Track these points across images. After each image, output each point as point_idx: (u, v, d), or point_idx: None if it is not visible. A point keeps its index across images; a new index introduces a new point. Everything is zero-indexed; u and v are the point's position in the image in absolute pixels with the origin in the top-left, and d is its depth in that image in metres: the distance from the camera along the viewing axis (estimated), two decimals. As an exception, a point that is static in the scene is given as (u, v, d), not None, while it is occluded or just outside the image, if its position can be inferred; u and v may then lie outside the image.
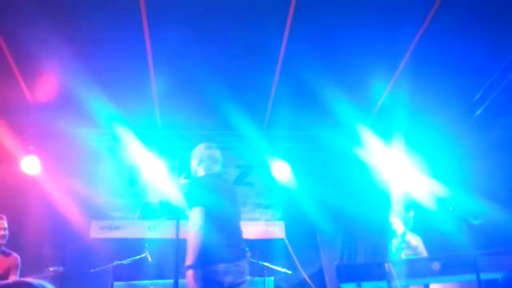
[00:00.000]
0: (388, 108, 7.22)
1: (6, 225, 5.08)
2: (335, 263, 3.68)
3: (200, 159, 4.18)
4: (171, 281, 7.19)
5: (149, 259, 6.63)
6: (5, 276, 4.79)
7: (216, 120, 7.44)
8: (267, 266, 6.50)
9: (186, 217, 7.67)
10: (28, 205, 7.39)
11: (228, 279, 3.62)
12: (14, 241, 5.15)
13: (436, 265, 3.48)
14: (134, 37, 5.73)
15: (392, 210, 6.26)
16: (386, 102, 7.19)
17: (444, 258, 3.53)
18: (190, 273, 3.56)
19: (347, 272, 3.62)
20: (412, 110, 6.98)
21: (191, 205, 3.76)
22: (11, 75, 6.22)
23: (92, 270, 6.40)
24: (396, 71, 6.48)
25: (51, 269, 5.01)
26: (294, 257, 7.78)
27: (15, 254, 5.07)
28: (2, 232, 4.94)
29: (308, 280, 7.71)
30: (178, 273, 3.79)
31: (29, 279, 1.25)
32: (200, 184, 3.97)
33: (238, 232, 4.00)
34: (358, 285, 3.51)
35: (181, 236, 7.56)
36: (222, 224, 3.78)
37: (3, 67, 6.05)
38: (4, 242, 4.98)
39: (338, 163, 8.05)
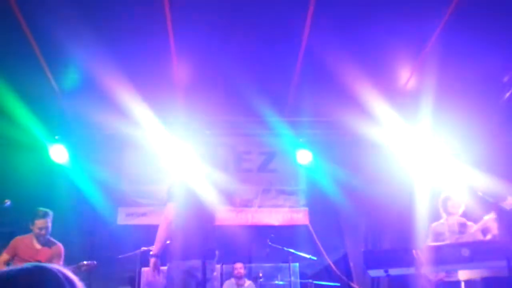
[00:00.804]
0: (414, 92, 7.10)
1: (50, 222, 5.18)
2: (362, 250, 3.67)
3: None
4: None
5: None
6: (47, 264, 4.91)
7: (239, 107, 7.43)
8: (292, 253, 6.50)
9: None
10: (56, 193, 7.53)
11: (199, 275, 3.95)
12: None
13: (465, 251, 3.44)
14: (158, 23, 5.76)
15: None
16: (411, 86, 7.08)
17: (474, 244, 3.49)
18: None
19: (374, 259, 3.61)
20: (438, 93, 6.85)
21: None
22: (37, 64, 6.31)
23: (120, 256, 6.51)
24: (421, 52, 6.36)
25: (85, 262, 5.10)
26: (319, 243, 7.79)
27: (58, 244, 5.19)
28: (43, 231, 5.05)
29: (332, 266, 7.72)
30: (205, 255, 3.82)
31: (51, 265, 1.26)
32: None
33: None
34: (386, 271, 3.50)
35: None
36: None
37: (29, 56, 6.14)
38: (47, 234, 5.10)
39: (361, 148, 7.97)
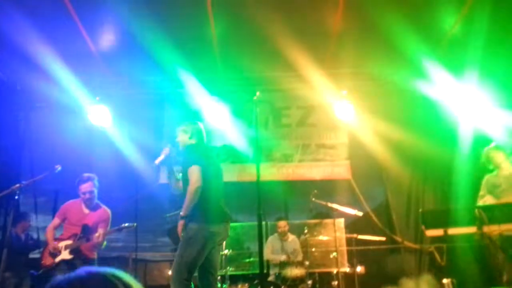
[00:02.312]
0: (460, 39, 6.78)
1: (96, 184, 5.24)
2: (420, 210, 3.58)
3: (192, 133, 4.41)
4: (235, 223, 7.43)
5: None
6: (93, 228, 5.04)
7: (277, 61, 7.26)
8: (337, 208, 6.46)
9: (250, 160, 7.77)
10: (96, 154, 7.64)
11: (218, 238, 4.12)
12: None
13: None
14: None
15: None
16: (457, 33, 6.74)
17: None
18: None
19: (433, 218, 3.52)
20: (487, 40, 6.51)
21: (190, 164, 4.06)
22: (74, 26, 6.24)
23: (167, 215, 6.59)
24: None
25: (126, 225, 5.17)
26: (361, 197, 7.74)
27: (105, 208, 5.27)
28: (88, 196, 5.13)
29: (375, 219, 7.69)
30: (261, 215, 3.80)
31: (104, 272, 1.21)
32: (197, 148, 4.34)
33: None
34: (445, 231, 3.41)
35: (241, 179, 7.74)
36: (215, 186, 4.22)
37: (65, 19, 6.07)
38: (93, 198, 5.17)
39: (403, 100, 7.76)
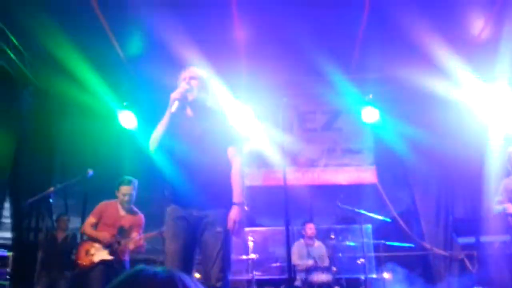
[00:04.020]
0: (489, 42, 6.69)
1: (135, 188, 5.32)
2: (450, 217, 3.55)
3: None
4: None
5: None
6: (128, 232, 5.12)
7: (303, 66, 7.28)
8: (363, 214, 6.43)
9: (275, 165, 7.76)
10: (125, 158, 7.75)
11: None
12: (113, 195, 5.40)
13: None
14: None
15: None
16: (486, 35, 6.65)
17: None
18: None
19: (465, 226, 3.49)
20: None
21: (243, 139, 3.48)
22: (102, 32, 6.38)
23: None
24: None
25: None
26: (388, 203, 7.67)
27: (140, 214, 5.34)
28: (127, 198, 5.21)
29: (404, 225, 7.61)
30: (288, 220, 3.76)
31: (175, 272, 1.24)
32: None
33: None
34: (477, 239, 3.38)
35: (266, 183, 7.75)
36: None
37: (94, 24, 6.20)
38: (130, 202, 5.25)
39: (431, 104, 7.67)
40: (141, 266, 1.24)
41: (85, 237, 5.29)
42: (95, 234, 5.06)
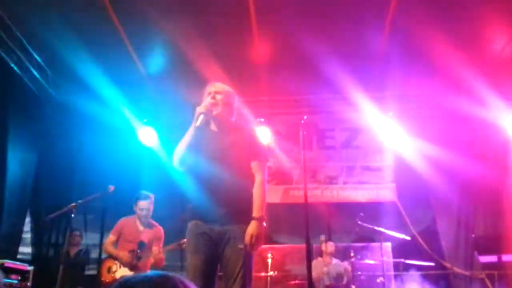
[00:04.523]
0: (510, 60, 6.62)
1: (152, 202, 5.37)
2: (472, 235, 3.48)
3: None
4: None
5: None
6: (148, 246, 5.16)
7: (322, 83, 7.28)
8: (382, 232, 6.33)
9: (293, 182, 7.73)
10: (145, 174, 7.81)
11: None
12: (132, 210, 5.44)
13: None
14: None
15: None
16: (508, 52, 6.59)
17: None
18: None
19: (487, 244, 3.42)
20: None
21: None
22: (124, 49, 6.49)
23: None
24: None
25: (185, 240, 5.22)
26: (408, 221, 7.55)
27: (159, 226, 5.39)
28: (145, 213, 5.26)
29: (423, 244, 7.47)
30: (309, 238, 3.69)
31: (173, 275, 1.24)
32: None
33: None
34: (499, 258, 3.30)
35: (285, 200, 7.71)
36: None
37: (115, 41, 6.32)
38: (148, 216, 5.30)
39: (451, 122, 7.59)
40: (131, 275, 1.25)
41: (107, 255, 5.33)
42: (116, 253, 5.13)
